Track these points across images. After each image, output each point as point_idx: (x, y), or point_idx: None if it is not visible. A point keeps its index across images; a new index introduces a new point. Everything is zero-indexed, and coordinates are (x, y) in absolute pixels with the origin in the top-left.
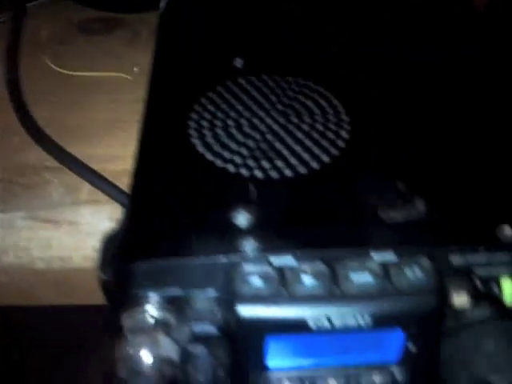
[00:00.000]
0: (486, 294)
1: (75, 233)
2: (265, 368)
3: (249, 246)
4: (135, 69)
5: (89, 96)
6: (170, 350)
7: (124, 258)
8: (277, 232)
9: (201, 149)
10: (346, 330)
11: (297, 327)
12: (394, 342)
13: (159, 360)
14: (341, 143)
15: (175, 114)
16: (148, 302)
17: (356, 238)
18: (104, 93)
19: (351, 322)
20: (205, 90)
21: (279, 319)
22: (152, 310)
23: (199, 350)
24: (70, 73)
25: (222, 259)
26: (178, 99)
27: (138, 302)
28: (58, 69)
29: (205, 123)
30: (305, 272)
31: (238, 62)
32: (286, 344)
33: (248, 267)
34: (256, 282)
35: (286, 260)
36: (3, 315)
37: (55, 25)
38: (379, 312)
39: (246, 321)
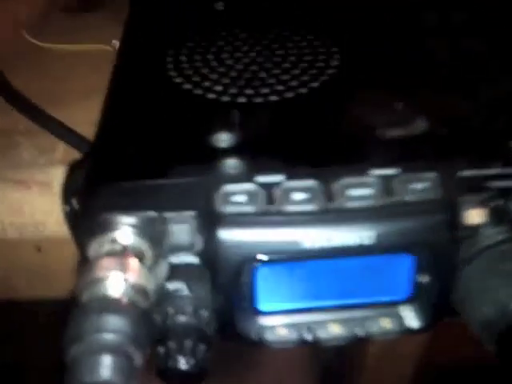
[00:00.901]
0: (503, 210)
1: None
2: (255, 311)
3: (231, 164)
4: (114, 41)
5: (67, 67)
6: (143, 277)
7: (93, 181)
8: (262, 151)
9: (178, 79)
10: (347, 253)
11: (289, 251)
12: (402, 272)
13: (130, 286)
14: (330, 71)
15: (152, 54)
16: (118, 227)
17: (352, 156)
18: (83, 64)
19: (352, 240)
20: (184, 32)
21: (268, 242)
22: (123, 236)
23: (178, 286)
24: (48, 45)
25: (201, 178)
26: (156, 41)
27: (106, 227)
28: (36, 42)
29: (183, 58)
30: (295, 189)
31: (220, 5)
32: (277, 278)
33: (230, 186)
34: (239, 199)
35: (273, 178)
36: None
37: (34, 3)
38: (382, 225)
39: (229, 245)
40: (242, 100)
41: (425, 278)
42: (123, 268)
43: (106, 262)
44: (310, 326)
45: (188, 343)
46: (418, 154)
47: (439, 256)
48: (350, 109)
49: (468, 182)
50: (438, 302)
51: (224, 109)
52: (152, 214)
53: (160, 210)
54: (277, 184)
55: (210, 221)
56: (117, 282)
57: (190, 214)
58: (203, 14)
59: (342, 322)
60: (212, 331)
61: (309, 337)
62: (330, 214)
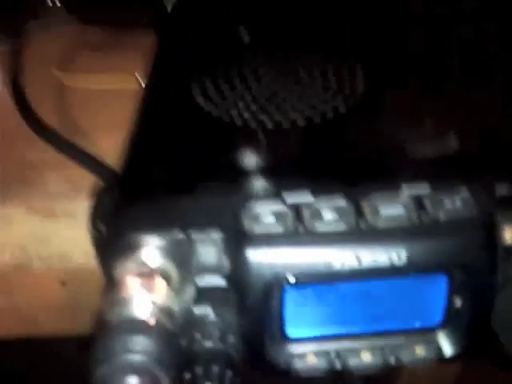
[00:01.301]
0: None
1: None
2: (283, 337)
3: (258, 184)
4: (137, 74)
5: (93, 101)
6: (169, 299)
7: (121, 201)
8: (289, 172)
9: (206, 106)
10: (378, 275)
11: (319, 272)
12: (436, 295)
13: (157, 308)
14: (356, 96)
15: (179, 82)
16: (145, 247)
17: (382, 174)
18: (109, 98)
19: (383, 259)
20: (210, 60)
21: (297, 263)
22: (150, 257)
23: (204, 310)
24: (75, 80)
25: (228, 197)
26: (182, 69)
27: (134, 248)
28: (64, 76)
29: (210, 85)
30: (324, 208)
31: (244, 32)
32: (306, 301)
33: (258, 206)
34: (268, 219)
35: (302, 197)
36: None
37: (61, 40)
38: (415, 245)
39: (257, 266)
40: (269, 126)
41: (460, 302)
42: (150, 289)
43: (133, 282)
44: (340, 354)
45: (215, 369)
46: (449, 170)
47: (475, 278)
48: (378, 129)
49: (503, 198)
50: (473, 327)
51: (251, 134)
52: (179, 234)
53: (187, 231)
54: (305, 204)
55: (238, 241)
56: (143, 303)
57: (217, 234)
58: (228, 40)
59: (374, 349)
60: (239, 357)
61: (339, 365)
62: (361, 234)
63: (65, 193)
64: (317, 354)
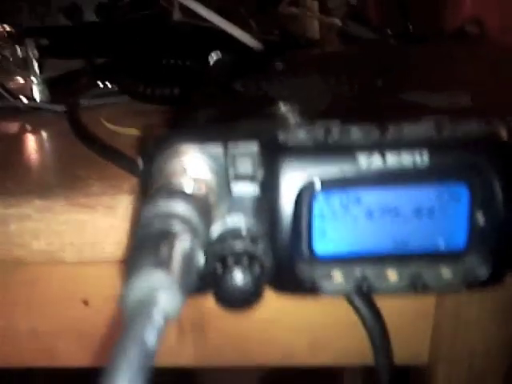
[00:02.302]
0: None
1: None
2: (312, 253)
3: (292, 115)
4: None
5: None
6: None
7: (167, 130)
8: (323, 112)
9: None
10: (403, 176)
11: (345, 174)
12: (459, 210)
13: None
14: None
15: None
16: (188, 154)
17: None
18: None
19: (407, 160)
20: None
21: (325, 169)
22: (192, 164)
23: (238, 219)
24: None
25: (267, 120)
26: None
27: (178, 155)
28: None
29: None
30: (353, 128)
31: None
32: (335, 212)
33: (293, 127)
34: (301, 134)
35: (331, 123)
36: None
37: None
38: (436, 149)
39: (288, 173)
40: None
41: (483, 219)
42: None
43: (178, 171)
44: (366, 274)
45: (245, 260)
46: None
47: (495, 193)
48: (398, 93)
49: None
50: (500, 247)
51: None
52: (218, 146)
53: (226, 143)
54: (335, 125)
55: (272, 151)
56: (187, 183)
57: (254, 146)
58: None
59: (401, 270)
60: (268, 262)
61: (365, 286)
62: (386, 141)
63: (105, 192)
64: (344, 273)
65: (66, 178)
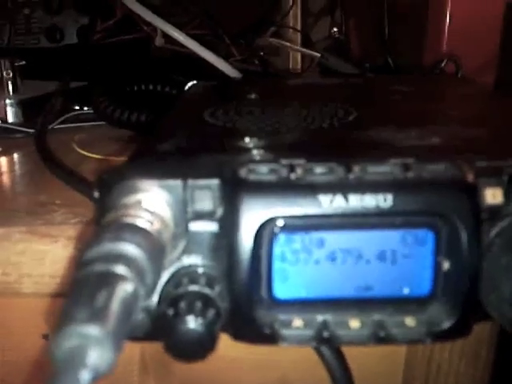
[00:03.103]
0: None
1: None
2: (271, 296)
3: (257, 151)
4: None
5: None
6: (163, 232)
7: (126, 162)
8: (288, 147)
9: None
10: (365, 219)
11: (308, 213)
12: (424, 255)
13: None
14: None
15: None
16: (145, 191)
17: (372, 154)
18: None
19: (370, 202)
20: None
21: (287, 206)
22: (149, 201)
23: (195, 258)
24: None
25: (229, 157)
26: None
27: (134, 191)
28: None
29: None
30: (316, 166)
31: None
32: (296, 254)
33: (256, 163)
34: (263, 170)
35: (296, 160)
36: None
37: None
38: (401, 194)
39: (248, 209)
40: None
41: (448, 264)
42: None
43: (132, 204)
44: (327, 321)
45: (198, 304)
46: (432, 154)
47: (461, 238)
48: (367, 132)
49: (483, 168)
50: (464, 294)
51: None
52: (178, 182)
53: (186, 179)
54: (298, 163)
55: (233, 187)
56: (140, 217)
57: (214, 181)
58: None
59: (363, 318)
60: (224, 306)
61: (326, 333)
62: (350, 181)
63: (68, 220)
64: (304, 319)
65: (28, 204)
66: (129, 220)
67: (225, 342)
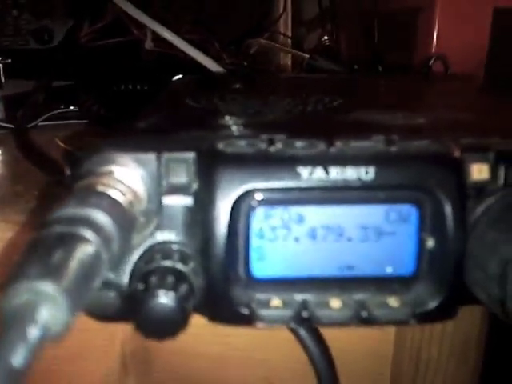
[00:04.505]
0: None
1: None
2: (249, 274)
3: (236, 128)
4: None
5: None
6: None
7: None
8: (270, 126)
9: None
10: (346, 189)
11: (287, 186)
12: (407, 232)
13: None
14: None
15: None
16: (119, 164)
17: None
18: None
19: (351, 175)
20: None
21: (266, 179)
22: (122, 174)
23: (168, 233)
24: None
25: (206, 131)
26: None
27: (107, 164)
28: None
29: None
30: (297, 140)
31: None
32: (275, 230)
33: (234, 137)
34: (241, 143)
35: (276, 136)
36: None
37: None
38: (383, 164)
39: (225, 183)
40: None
41: (432, 242)
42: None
43: (104, 175)
44: (307, 301)
45: (170, 279)
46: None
47: (445, 215)
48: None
49: (468, 144)
50: (449, 273)
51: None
52: (152, 156)
53: (160, 153)
54: (278, 138)
55: (209, 160)
56: (112, 187)
57: (190, 154)
58: None
59: (344, 298)
60: (197, 283)
61: (306, 314)
62: (331, 154)
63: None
64: (283, 299)
65: (3, 194)
66: (99, 188)
67: (205, 338)
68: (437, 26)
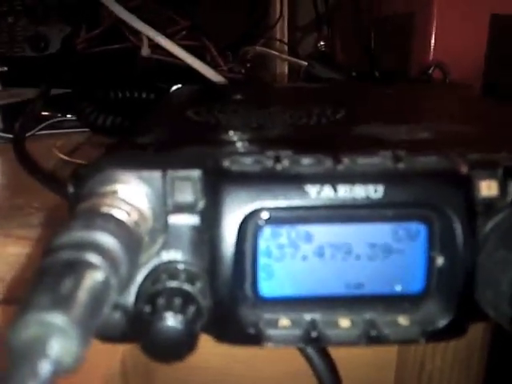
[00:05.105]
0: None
1: None
2: (256, 294)
3: (241, 144)
4: None
5: None
6: (141, 222)
7: (102, 154)
8: (274, 141)
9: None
10: (355, 212)
11: (294, 204)
12: (417, 250)
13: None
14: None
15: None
16: (123, 182)
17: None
18: None
19: (360, 193)
20: None
21: (272, 198)
22: (126, 192)
23: (174, 253)
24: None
25: (212, 148)
26: None
27: (111, 182)
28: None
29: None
30: (303, 157)
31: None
32: (282, 248)
33: (239, 154)
34: (247, 161)
35: (282, 152)
36: None
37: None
38: (391, 182)
39: (232, 201)
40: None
41: (442, 259)
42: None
43: (108, 195)
44: (316, 320)
45: (178, 301)
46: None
47: (455, 232)
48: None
49: (476, 161)
50: (459, 291)
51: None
52: (157, 174)
53: (166, 170)
54: (285, 154)
55: (215, 178)
56: (117, 207)
57: (195, 172)
58: None
59: (353, 317)
60: (205, 304)
61: (315, 333)
62: (339, 172)
63: (44, 223)
64: (291, 318)
65: (2, 207)
66: (104, 209)
67: (207, 350)
68: (434, 31)
